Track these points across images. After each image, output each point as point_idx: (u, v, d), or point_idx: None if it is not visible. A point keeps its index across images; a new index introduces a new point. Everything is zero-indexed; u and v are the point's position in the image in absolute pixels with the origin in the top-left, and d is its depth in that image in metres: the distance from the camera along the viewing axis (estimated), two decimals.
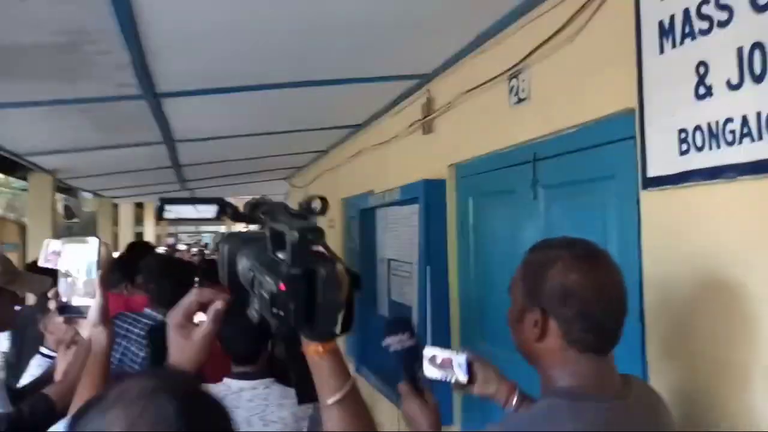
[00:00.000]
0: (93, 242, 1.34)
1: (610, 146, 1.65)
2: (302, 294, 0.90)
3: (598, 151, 1.70)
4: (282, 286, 0.86)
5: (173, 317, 1.02)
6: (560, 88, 1.87)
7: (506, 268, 2.19)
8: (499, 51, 2.19)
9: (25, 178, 5.04)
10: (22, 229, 8.27)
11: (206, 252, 12.43)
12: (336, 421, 0.99)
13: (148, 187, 7.06)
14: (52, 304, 1.39)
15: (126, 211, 12.03)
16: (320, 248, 0.96)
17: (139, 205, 13.25)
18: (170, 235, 16.46)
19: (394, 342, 1.38)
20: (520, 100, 2.07)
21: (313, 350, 0.99)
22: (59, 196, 7.07)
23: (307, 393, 1.11)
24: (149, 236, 15.57)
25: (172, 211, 1.04)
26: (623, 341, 1.10)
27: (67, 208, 10.26)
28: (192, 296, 1.04)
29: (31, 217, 5.29)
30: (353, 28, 2.05)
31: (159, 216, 1.07)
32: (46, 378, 1.78)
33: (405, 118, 3.16)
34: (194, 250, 13.13)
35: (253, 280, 0.96)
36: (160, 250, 9.95)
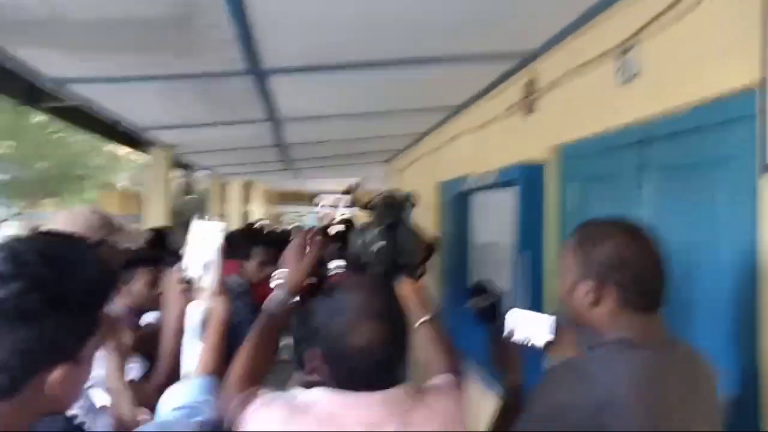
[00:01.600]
0: (219, 225, 1.55)
1: (726, 127, 1.50)
2: (391, 237, 1.50)
3: (713, 132, 1.56)
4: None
5: (295, 244, 1.67)
6: (673, 65, 1.72)
7: None
8: (608, 26, 2.06)
9: (146, 152, 5.41)
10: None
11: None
12: (423, 337, 1.49)
13: (256, 165, 7.38)
14: (176, 274, 1.56)
15: (235, 189, 12.65)
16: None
17: (247, 183, 13.88)
18: (276, 215, 17.29)
19: (477, 302, 1.57)
20: (629, 78, 1.94)
21: (404, 287, 1.55)
22: (178, 172, 7.54)
23: None
24: (256, 215, 16.35)
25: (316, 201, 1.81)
26: (736, 334, 1.05)
27: (187, 184, 10.96)
28: (304, 233, 1.70)
29: (149, 190, 5.66)
30: (456, 3, 2.00)
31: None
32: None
33: (505, 99, 3.07)
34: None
35: (364, 245, 1.59)
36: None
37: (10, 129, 9.62)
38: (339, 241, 5.30)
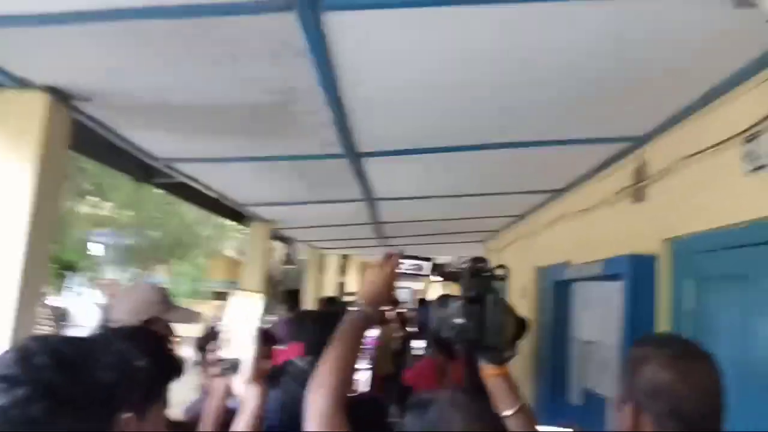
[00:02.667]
0: (258, 298, 1.35)
1: None
2: (474, 312, 1.24)
3: None
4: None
5: (375, 264, 1.42)
6: None
7: (734, 369, 1.80)
8: (730, 111, 1.87)
9: (247, 225, 5.62)
10: None
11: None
12: (510, 429, 1.28)
13: (352, 241, 7.46)
14: (210, 354, 1.42)
15: (331, 261, 12.86)
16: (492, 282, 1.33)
17: (344, 256, 14.09)
18: None
19: None
20: (757, 168, 1.72)
21: (488, 372, 1.34)
22: (279, 243, 7.75)
23: None
24: (351, 285, 16.49)
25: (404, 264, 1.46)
26: None
27: (287, 255, 11.30)
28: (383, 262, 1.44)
29: (249, 261, 5.85)
30: (560, 87, 1.90)
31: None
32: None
33: (612, 184, 2.87)
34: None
35: (444, 319, 1.31)
36: None
37: (130, 200, 10.46)
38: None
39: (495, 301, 1.26)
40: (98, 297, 12.92)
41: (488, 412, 1.12)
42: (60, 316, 11.15)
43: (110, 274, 12.59)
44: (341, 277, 15.27)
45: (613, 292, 2.64)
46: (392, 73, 1.82)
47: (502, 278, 1.36)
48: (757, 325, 1.71)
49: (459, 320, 1.26)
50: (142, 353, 0.96)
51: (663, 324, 2.26)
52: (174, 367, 1.23)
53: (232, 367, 1.36)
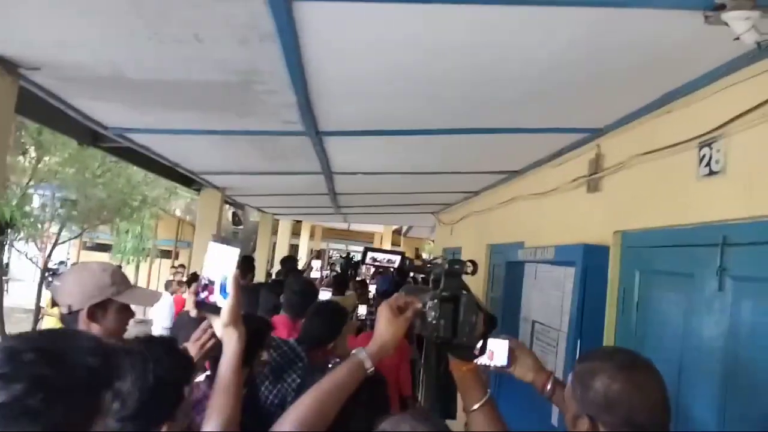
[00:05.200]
0: (235, 251, 1.40)
1: None
2: (448, 312, 1.29)
3: None
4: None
5: (390, 304, 1.32)
6: (766, 165, 1.57)
7: (675, 361, 1.90)
8: (689, 113, 1.92)
9: (198, 191, 5.51)
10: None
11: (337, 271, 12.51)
12: (478, 424, 1.38)
13: (306, 209, 7.41)
14: (191, 301, 1.43)
15: (284, 225, 12.78)
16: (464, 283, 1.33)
17: (297, 221, 14.02)
18: (320, 250, 17.45)
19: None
20: (711, 173, 1.78)
21: (457, 367, 1.40)
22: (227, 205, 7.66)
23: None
24: (303, 247, 16.52)
25: (371, 255, 1.93)
26: None
27: (234, 215, 11.13)
28: (399, 296, 1.37)
29: (200, 226, 5.76)
30: (523, 79, 1.91)
31: (363, 259, 2.28)
32: None
33: (568, 172, 2.93)
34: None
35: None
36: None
37: (72, 158, 10.03)
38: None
39: (468, 300, 1.31)
40: (36, 252, 12.50)
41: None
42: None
43: (51, 229, 12.14)
44: (294, 239, 15.27)
45: (565, 277, 2.73)
46: (360, 62, 1.79)
47: (473, 273, 1.41)
48: (698, 321, 1.80)
49: (433, 318, 1.30)
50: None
51: (611, 312, 2.35)
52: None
53: (213, 310, 1.39)
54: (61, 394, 0.86)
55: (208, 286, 1.41)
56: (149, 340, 1.31)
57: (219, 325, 1.40)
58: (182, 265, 11.84)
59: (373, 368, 1.29)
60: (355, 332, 4.37)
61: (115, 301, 1.80)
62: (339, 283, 6.36)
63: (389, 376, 3.13)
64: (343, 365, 1.28)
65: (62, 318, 1.82)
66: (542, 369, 1.65)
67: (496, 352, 1.62)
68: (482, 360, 1.51)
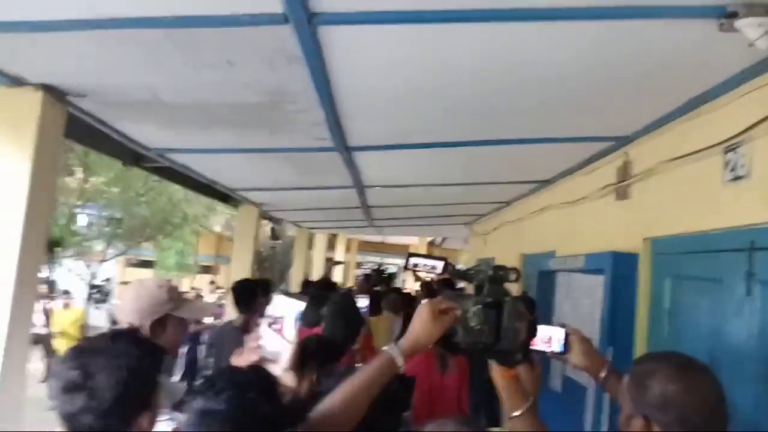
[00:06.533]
0: (300, 304, 1.53)
1: None
2: (492, 317, 1.29)
3: None
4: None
5: (432, 304, 1.32)
6: None
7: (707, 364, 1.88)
8: (713, 119, 1.92)
9: (236, 207, 5.67)
10: None
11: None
12: (517, 430, 1.39)
13: (340, 222, 7.51)
14: (252, 342, 1.54)
15: (320, 238, 12.93)
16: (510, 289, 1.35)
17: (333, 234, 14.15)
18: (358, 263, 17.58)
19: None
20: (736, 178, 1.78)
21: (499, 374, 1.42)
22: (266, 221, 7.82)
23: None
24: (339, 260, 16.67)
25: (414, 262, 1.45)
26: None
27: (273, 230, 11.35)
28: (441, 299, 1.35)
29: (238, 240, 5.91)
30: (549, 87, 1.94)
31: (405, 264, 1.48)
32: None
33: (597, 180, 2.94)
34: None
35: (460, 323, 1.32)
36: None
37: (117, 178, 10.40)
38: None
39: (511, 307, 1.31)
40: (84, 270, 12.94)
41: None
42: (49, 288, 11.18)
43: (97, 247, 12.58)
44: (330, 252, 15.41)
45: (596, 286, 2.73)
46: (382, 79, 1.86)
47: (516, 280, 1.40)
48: (727, 326, 1.80)
49: (476, 324, 1.29)
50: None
51: (642, 319, 2.35)
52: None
53: (272, 356, 1.55)
54: (113, 407, 1.12)
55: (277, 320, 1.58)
56: (114, 334, 1.35)
57: (278, 368, 1.55)
58: (212, 282, 12.25)
59: (404, 365, 1.29)
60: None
61: (173, 315, 1.85)
62: (372, 302, 6.17)
63: (451, 394, 3.12)
64: (374, 361, 1.30)
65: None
66: (598, 356, 1.64)
67: (553, 338, 1.62)
68: (539, 346, 1.54)
